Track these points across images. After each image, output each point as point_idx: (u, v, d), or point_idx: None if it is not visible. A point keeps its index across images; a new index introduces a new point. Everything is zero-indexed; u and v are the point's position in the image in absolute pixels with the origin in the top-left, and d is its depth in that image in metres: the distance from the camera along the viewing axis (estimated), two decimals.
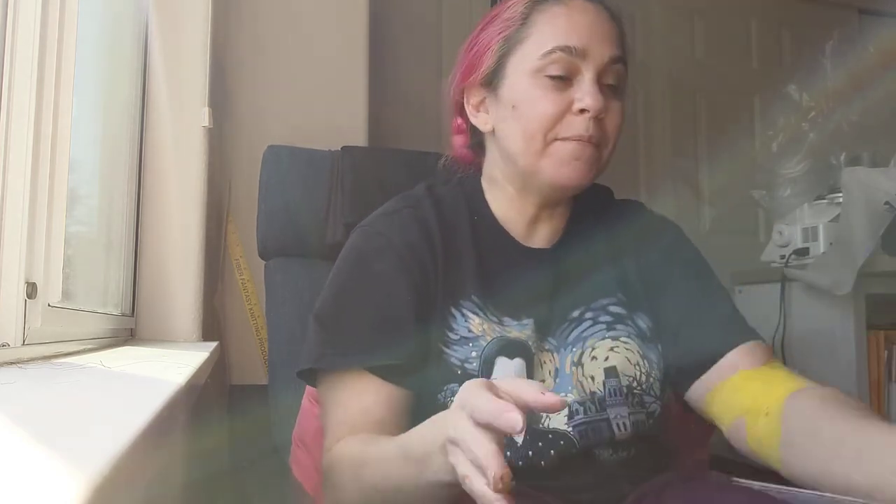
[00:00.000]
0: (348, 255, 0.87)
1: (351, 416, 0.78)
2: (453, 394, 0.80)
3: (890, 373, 1.91)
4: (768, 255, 2.07)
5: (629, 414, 0.84)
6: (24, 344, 0.73)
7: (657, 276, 0.90)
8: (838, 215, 1.89)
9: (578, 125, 0.81)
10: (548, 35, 0.83)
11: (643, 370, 0.86)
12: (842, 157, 1.97)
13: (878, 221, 1.75)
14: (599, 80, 0.82)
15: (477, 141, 0.93)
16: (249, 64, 1.59)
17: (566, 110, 0.81)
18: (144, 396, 0.52)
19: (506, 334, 0.83)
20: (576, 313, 0.87)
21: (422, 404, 0.79)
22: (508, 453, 0.80)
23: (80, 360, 0.75)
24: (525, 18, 0.86)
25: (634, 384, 0.86)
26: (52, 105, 0.78)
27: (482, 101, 0.89)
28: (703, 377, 0.84)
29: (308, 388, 0.97)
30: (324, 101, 1.64)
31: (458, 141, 0.96)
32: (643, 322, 0.89)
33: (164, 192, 1.26)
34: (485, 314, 0.84)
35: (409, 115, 2.05)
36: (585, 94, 0.80)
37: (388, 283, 0.82)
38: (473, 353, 0.82)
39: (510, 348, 0.83)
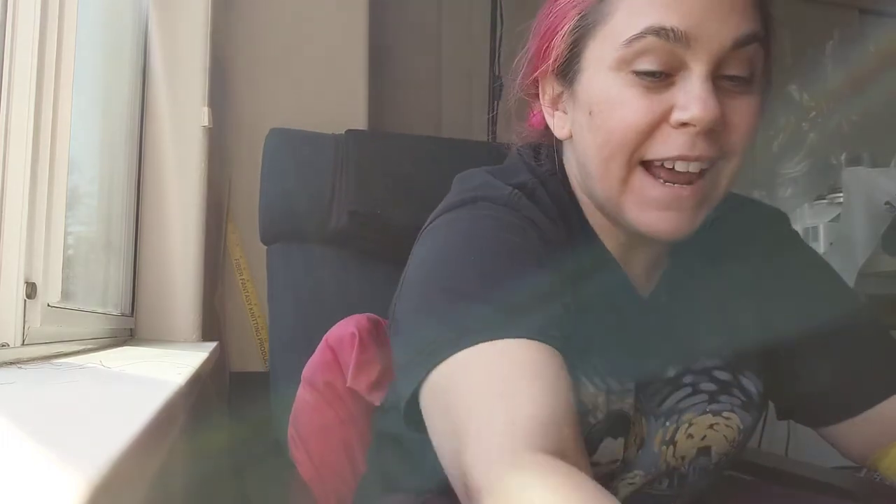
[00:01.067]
0: (483, 223, 0.62)
1: (541, 400, 0.49)
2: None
3: None
4: None
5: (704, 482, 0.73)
6: (23, 344, 0.73)
7: (784, 320, 0.71)
8: (838, 215, 1.89)
9: (678, 142, 0.58)
10: (640, 10, 0.58)
11: (738, 444, 0.72)
12: (842, 157, 1.97)
13: (879, 221, 1.75)
14: (716, 74, 0.58)
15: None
16: (249, 60, 1.59)
17: (662, 120, 0.58)
18: (144, 396, 0.52)
19: (614, 407, 0.65)
20: (672, 373, 0.69)
21: None
22: None
23: (80, 360, 0.75)
24: None
25: (724, 460, 0.72)
26: (51, 105, 0.78)
27: (559, 96, 0.67)
28: (859, 425, 0.69)
29: (304, 375, 0.94)
30: (324, 95, 1.64)
31: (534, 132, 0.74)
32: (751, 386, 0.71)
33: (164, 192, 1.26)
34: (601, 380, 0.65)
35: (409, 99, 2.05)
36: (691, 98, 0.56)
37: (545, 258, 0.61)
38: None
39: (617, 427, 0.66)
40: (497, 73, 1.93)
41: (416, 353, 0.56)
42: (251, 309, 1.53)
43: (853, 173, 1.83)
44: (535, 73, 0.67)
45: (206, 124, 1.27)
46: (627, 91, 0.59)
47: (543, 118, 0.70)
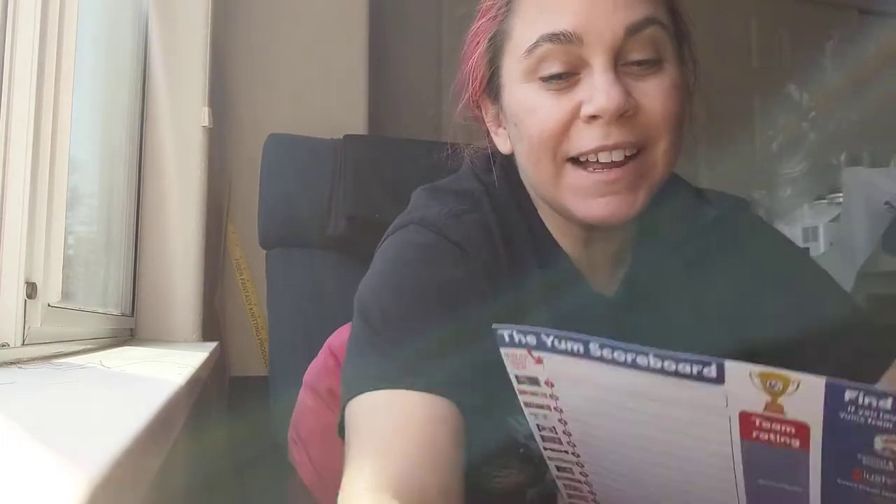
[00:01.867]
0: (407, 253, 0.65)
1: (427, 435, 0.54)
2: (507, 468, 0.66)
3: None
4: None
5: None
6: (24, 344, 0.73)
7: (760, 318, 0.70)
8: (838, 215, 1.89)
9: (593, 135, 0.59)
10: (531, 21, 0.61)
11: None
12: (842, 157, 1.97)
13: (878, 221, 1.75)
14: (622, 63, 0.60)
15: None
16: (249, 61, 1.59)
17: (573, 117, 0.60)
18: (144, 396, 0.52)
19: None
20: None
21: (470, 472, 0.59)
22: None
23: (80, 360, 0.75)
24: (509, 2, 0.64)
25: None
26: (51, 105, 0.78)
27: (497, 115, 0.69)
28: None
29: (306, 379, 0.95)
30: (324, 95, 1.64)
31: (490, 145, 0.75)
32: None
33: (164, 192, 1.26)
34: None
35: (409, 105, 2.05)
36: (594, 91, 0.58)
37: (466, 297, 0.62)
38: None
39: None
40: None
41: (342, 381, 0.61)
42: (251, 309, 1.53)
43: (853, 173, 1.83)
44: (471, 97, 0.70)
45: (207, 124, 1.27)
46: (538, 97, 0.61)
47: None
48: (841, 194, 1.89)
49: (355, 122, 1.65)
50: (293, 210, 1.17)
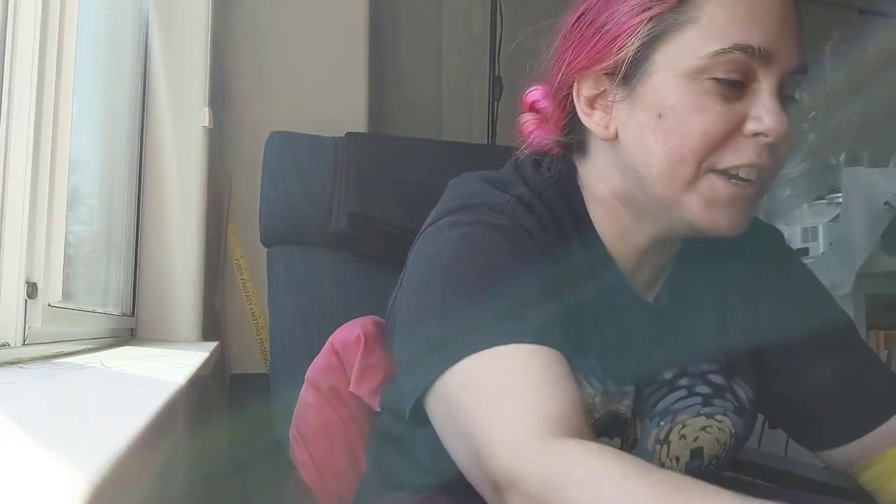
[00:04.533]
0: (482, 226, 0.63)
1: (553, 399, 0.52)
2: None
3: None
4: None
5: None
6: (24, 344, 0.73)
7: (777, 332, 0.74)
8: (838, 215, 1.89)
9: (749, 151, 0.61)
10: (723, 25, 0.60)
11: (728, 448, 0.73)
12: (842, 157, 1.97)
13: (878, 221, 1.75)
14: (779, 92, 0.62)
15: (577, 140, 0.72)
16: (249, 61, 1.59)
17: (735, 130, 0.61)
18: (144, 396, 0.52)
19: (610, 408, 0.67)
20: (668, 375, 0.71)
21: None
22: None
23: (81, 360, 0.75)
24: None
25: (714, 462, 0.73)
26: (52, 105, 0.78)
27: (600, 96, 0.67)
28: (849, 446, 0.73)
29: (307, 377, 0.95)
30: (324, 96, 1.64)
31: (544, 132, 0.74)
32: (743, 393, 0.73)
33: (164, 192, 1.26)
34: (599, 381, 0.67)
35: (409, 104, 2.05)
36: (765, 110, 0.60)
37: (543, 277, 0.62)
38: None
39: (613, 427, 0.67)
40: (497, 74, 1.93)
41: (422, 356, 0.57)
42: (251, 309, 1.53)
43: (852, 173, 1.83)
44: (581, 70, 0.67)
45: (207, 124, 1.28)
46: (706, 98, 0.61)
47: (548, 127, 0.73)
48: (840, 194, 1.88)
49: (355, 120, 1.65)
50: (294, 207, 1.17)
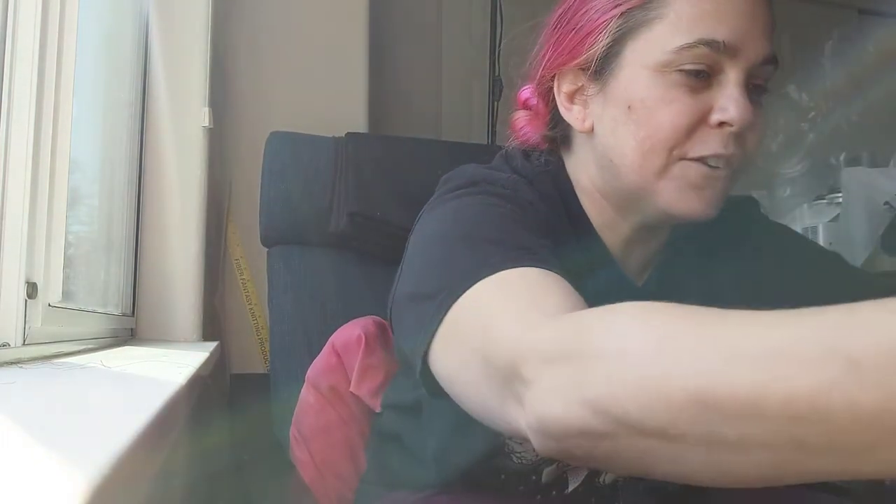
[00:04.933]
0: (486, 197, 0.65)
1: (565, 301, 0.50)
2: (520, 444, 0.68)
3: None
4: None
5: None
6: (24, 344, 0.73)
7: (774, 293, 0.73)
8: (838, 215, 1.89)
9: (715, 141, 0.63)
10: (689, 20, 0.63)
11: None
12: (841, 157, 1.97)
13: (878, 221, 1.75)
14: (747, 83, 0.64)
15: (560, 134, 0.74)
16: (249, 61, 1.59)
17: (702, 120, 0.64)
18: (144, 396, 0.52)
19: None
20: None
21: (481, 440, 0.62)
22: None
23: (81, 360, 0.75)
24: None
25: None
26: (52, 105, 0.78)
27: (578, 91, 0.70)
28: None
29: (308, 376, 0.95)
30: (324, 96, 1.64)
31: (533, 127, 0.76)
32: None
33: (164, 192, 1.26)
34: None
35: (409, 104, 2.05)
36: (730, 101, 0.62)
37: (541, 228, 0.63)
38: None
39: None
40: (497, 74, 1.93)
41: (427, 305, 0.55)
42: (251, 309, 1.53)
43: (852, 173, 1.83)
44: (559, 66, 0.70)
45: (207, 124, 1.28)
46: (673, 91, 0.63)
47: (536, 122, 0.75)
48: (840, 194, 1.88)
49: (356, 121, 1.65)
50: (294, 207, 1.17)
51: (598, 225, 0.71)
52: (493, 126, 1.92)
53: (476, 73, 2.09)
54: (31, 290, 0.74)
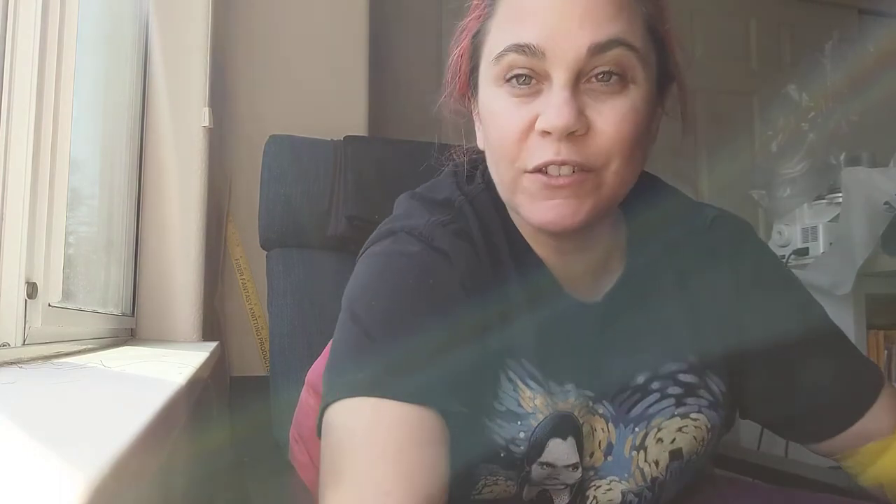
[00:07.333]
0: (396, 261, 0.65)
1: (404, 457, 0.55)
2: (492, 475, 0.67)
3: (890, 372, 1.91)
4: None
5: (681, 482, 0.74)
6: (24, 344, 0.73)
7: (748, 326, 0.73)
8: (838, 215, 1.89)
9: (543, 150, 0.60)
10: (504, 28, 0.62)
11: (708, 442, 0.73)
12: (841, 157, 1.97)
13: (878, 221, 1.75)
14: (578, 82, 0.60)
15: None
16: (249, 61, 1.59)
17: (530, 128, 0.61)
18: (144, 396, 0.52)
19: (556, 408, 0.67)
20: (640, 380, 0.70)
21: (454, 481, 0.60)
22: None
23: (81, 360, 0.75)
24: (492, 2, 0.65)
25: (694, 457, 0.72)
26: (52, 105, 0.78)
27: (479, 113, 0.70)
28: (830, 441, 0.74)
29: (308, 379, 0.96)
30: (324, 96, 1.64)
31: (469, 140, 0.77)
32: (716, 386, 0.72)
33: (164, 192, 1.26)
34: (537, 384, 0.67)
35: (409, 105, 2.05)
36: (549, 107, 0.59)
37: (453, 304, 0.63)
38: (522, 434, 0.66)
39: (563, 427, 0.67)
40: None
41: (324, 383, 0.61)
42: (251, 309, 1.53)
43: (852, 173, 1.83)
44: (456, 91, 0.71)
45: (207, 124, 1.28)
46: (503, 102, 0.62)
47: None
48: (840, 194, 1.88)
49: (355, 122, 1.65)
50: (293, 211, 1.17)
51: (528, 236, 0.70)
52: None
53: None
54: (31, 290, 0.74)
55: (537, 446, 0.66)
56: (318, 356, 0.96)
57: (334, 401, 0.58)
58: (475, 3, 0.68)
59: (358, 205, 1.13)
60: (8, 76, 0.73)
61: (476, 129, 0.72)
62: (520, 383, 0.66)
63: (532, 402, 0.66)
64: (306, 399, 0.96)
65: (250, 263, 1.53)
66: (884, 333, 1.91)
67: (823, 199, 1.96)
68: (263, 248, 1.20)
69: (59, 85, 0.80)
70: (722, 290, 0.73)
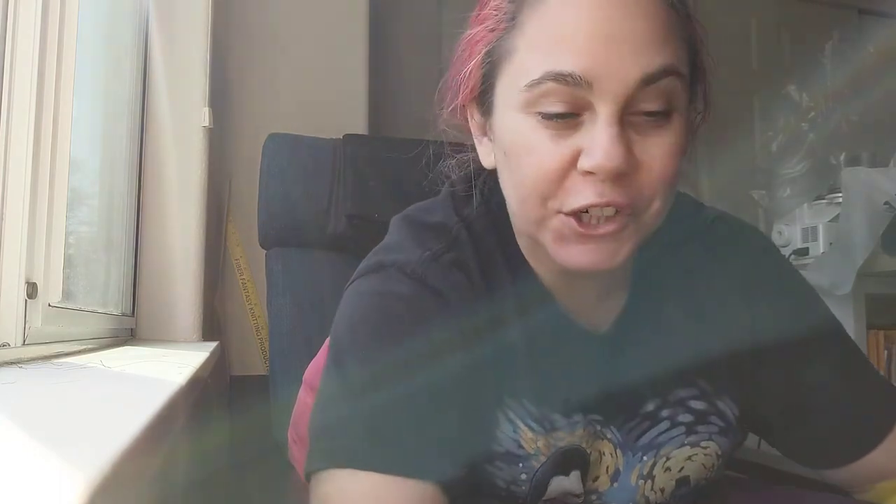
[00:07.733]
0: (388, 303, 0.61)
1: None
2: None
3: (890, 372, 1.91)
4: None
5: None
6: (24, 344, 0.73)
7: (759, 335, 0.68)
8: (838, 215, 1.89)
9: (588, 191, 0.54)
10: (538, 51, 0.54)
11: (717, 468, 0.70)
12: (841, 157, 1.97)
13: (878, 221, 1.75)
14: (625, 114, 0.53)
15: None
16: (249, 61, 1.59)
17: (571, 166, 0.54)
18: (144, 396, 0.52)
19: (559, 444, 0.64)
20: (650, 407, 0.66)
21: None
22: None
23: (81, 360, 0.75)
24: (513, 16, 0.56)
25: (703, 482, 0.69)
26: (52, 105, 0.78)
27: (484, 124, 0.63)
28: (842, 469, 0.69)
29: (305, 377, 0.95)
30: (324, 95, 1.64)
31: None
32: (729, 410, 0.68)
33: (164, 192, 1.26)
34: (539, 424, 0.63)
35: (409, 105, 2.05)
36: (595, 145, 0.52)
37: (448, 360, 0.58)
38: (524, 476, 0.63)
39: (567, 463, 0.64)
40: None
41: (310, 439, 0.57)
42: (251, 309, 1.53)
43: (852, 173, 1.83)
44: (458, 101, 0.64)
45: (207, 124, 1.28)
46: (536, 135, 0.55)
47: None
48: (840, 194, 1.88)
49: (355, 121, 1.65)
50: (293, 210, 1.17)
51: (535, 264, 0.64)
52: None
53: None
54: (31, 290, 0.74)
55: (540, 487, 0.64)
56: (317, 355, 0.96)
57: (320, 469, 0.54)
58: (487, 11, 0.59)
59: (357, 204, 1.13)
60: (8, 76, 0.73)
61: (477, 141, 0.65)
62: (521, 424, 0.63)
63: (534, 443, 0.63)
64: (304, 398, 0.95)
65: (250, 263, 1.53)
66: (884, 333, 1.91)
67: (823, 199, 1.96)
68: (263, 247, 1.20)
69: (59, 85, 0.80)
70: (731, 299, 0.69)
